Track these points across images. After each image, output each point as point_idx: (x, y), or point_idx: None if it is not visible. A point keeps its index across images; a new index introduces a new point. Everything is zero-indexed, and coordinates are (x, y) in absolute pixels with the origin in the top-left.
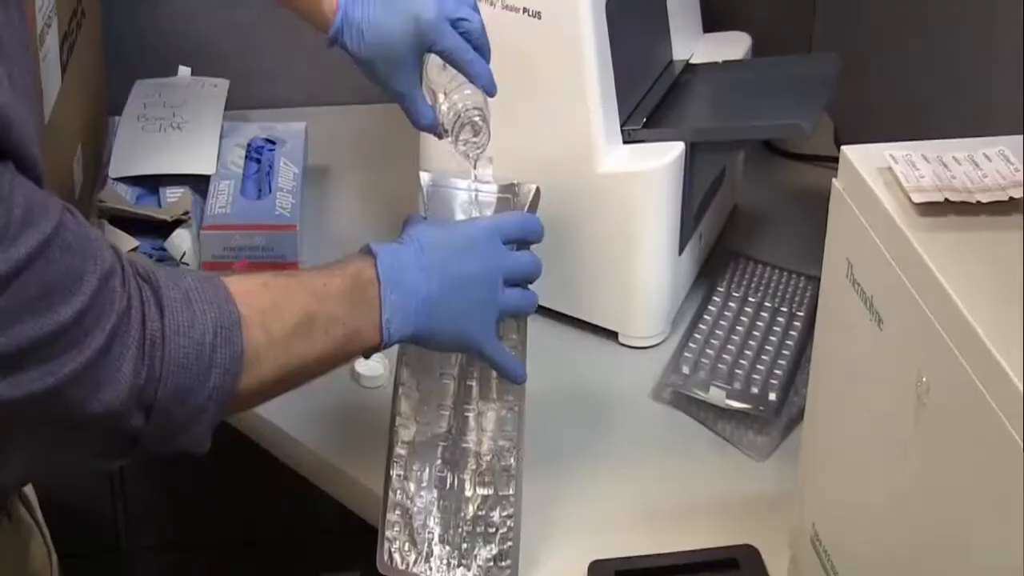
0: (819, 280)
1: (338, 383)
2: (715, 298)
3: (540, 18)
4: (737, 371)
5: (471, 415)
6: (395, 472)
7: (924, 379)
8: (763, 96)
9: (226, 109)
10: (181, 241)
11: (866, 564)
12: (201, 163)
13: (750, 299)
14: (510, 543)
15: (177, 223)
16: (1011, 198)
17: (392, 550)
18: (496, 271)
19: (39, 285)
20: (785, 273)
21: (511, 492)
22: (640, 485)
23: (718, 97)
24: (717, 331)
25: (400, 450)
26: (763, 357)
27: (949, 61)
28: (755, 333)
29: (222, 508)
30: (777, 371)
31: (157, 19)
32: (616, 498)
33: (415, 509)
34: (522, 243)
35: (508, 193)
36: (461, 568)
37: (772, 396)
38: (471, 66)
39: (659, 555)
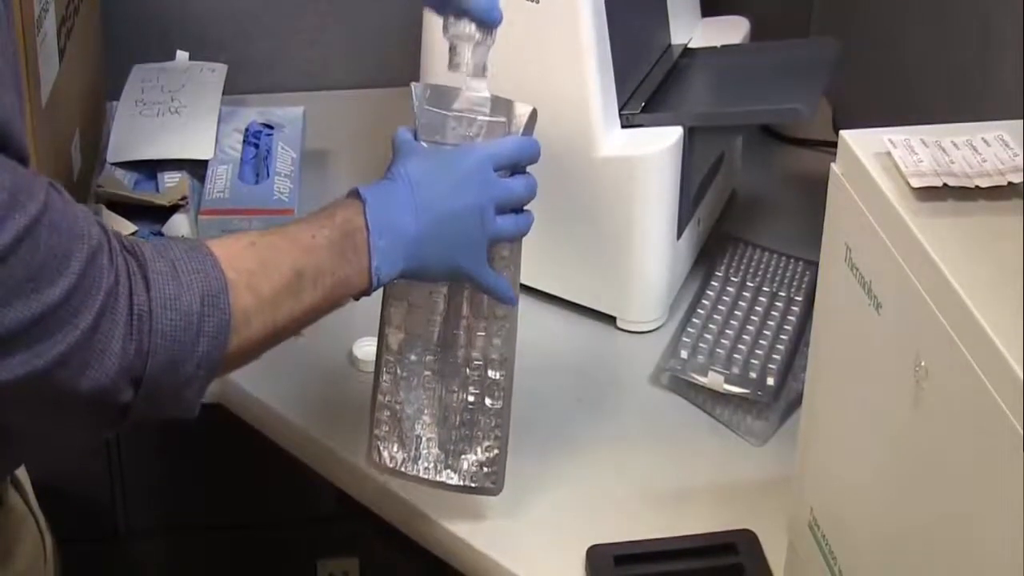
0: (817, 265)
1: (335, 367)
2: (713, 283)
3: (538, 2)
4: (735, 356)
5: (461, 330)
6: (384, 377)
7: (922, 363)
8: (761, 81)
9: (224, 94)
10: (179, 226)
11: (864, 548)
12: (199, 148)
13: (748, 284)
14: (497, 451)
15: (175, 208)
16: (1010, 183)
17: (380, 448)
18: (487, 202)
19: (26, 268)
20: (783, 258)
21: (500, 404)
22: (638, 470)
23: (716, 81)
24: (715, 316)
25: (389, 356)
26: (761, 342)
27: (948, 46)
28: (753, 318)
29: (220, 493)
30: (775, 356)
31: (155, 4)
32: (614, 483)
33: (404, 413)
34: (517, 167)
35: (502, 115)
36: (448, 471)
37: (770, 381)
38: None
39: (657, 540)
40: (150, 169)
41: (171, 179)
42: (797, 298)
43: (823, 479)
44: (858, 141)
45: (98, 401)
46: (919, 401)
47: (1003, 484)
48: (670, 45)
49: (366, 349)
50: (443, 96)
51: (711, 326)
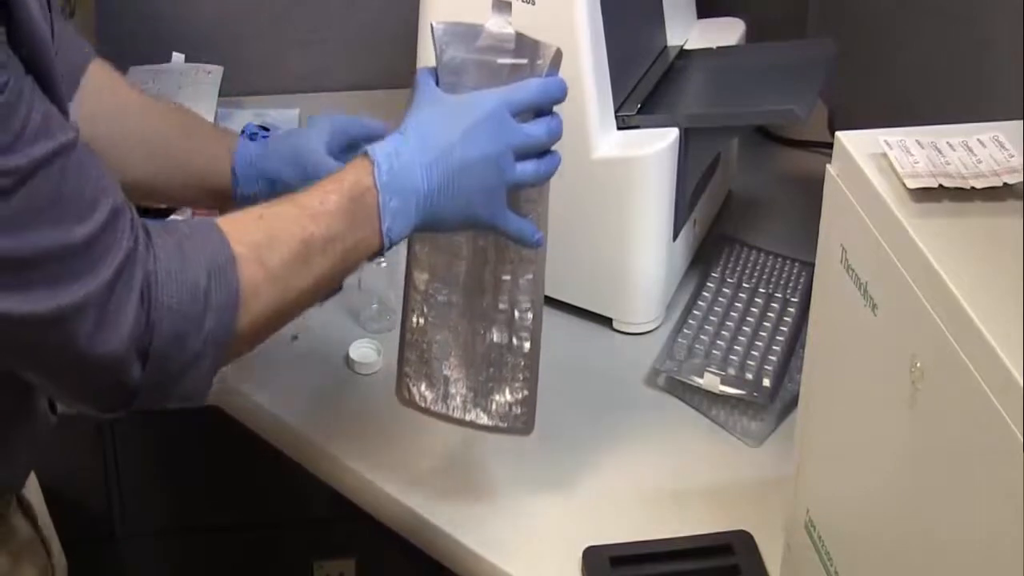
0: (813, 266)
1: (332, 369)
2: (709, 284)
3: (534, 4)
4: (731, 357)
5: (487, 271)
6: (412, 317)
7: (918, 364)
8: (757, 82)
9: (220, 96)
10: None
11: (860, 549)
12: None
13: (744, 285)
14: (527, 392)
15: (171, 210)
16: (1005, 184)
17: (410, 385)
18: (504, 149)
19: (52, 193)
20: (779, 259)
21: (528, 345)
22: (634, 471)
23: (712, 83)
24: (711, 317)
25: (416, 296)
26: (757, 343)
27: (944, 47)
28: (749, 319)
29: (216, 494)
30: (771, 357)
31: (151, 5)
32: (610, 484)
33: (432, 353)
34: (541, 110)
35: (525, 56)
36: (478, 410)
37: (766, 382)
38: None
39: (653, 541)
40: None
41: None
42: (793, 299)
43: (819, 480)
44: (854, 142)
45: (109, 369)
46: (915, 402)
47: (1000, 485)
48: (666, 46)
49: (362, 351)
50: (465, 36)
51: (707, 327)
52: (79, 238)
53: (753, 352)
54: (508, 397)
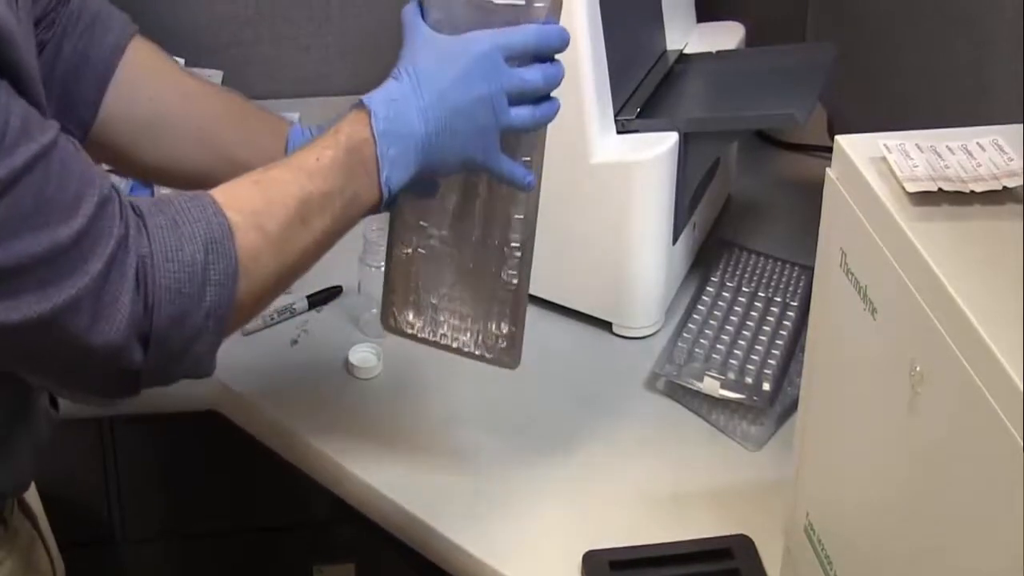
0: (813, 270)
1: (331, 374)
2: (709, 288)
3: None
4: (731, 361)
5: (477, 204)
6: (398, 245)
7: (918, 368)
8: (757, 86)
9: None
10: None
11: (860, 552)
12: None
13: (744, 289)
14: (513, 327)
15: None
16: (1005, 187)
17: (396, 312)
18: (497, 92)
19: (35, 198)
20: (779, 263)
21: (516, 278)
22: (634, 475)
23: (712, 87)
24: (711, 321)
25: (404, 226)
26: (757, 347)
27: (943, 50)
28: (749, 323)
29: (216, 499)
30: (771, 361)
31: (150, 9)
32: (610, 488)
33: (418, 282)
34: (539, 56)
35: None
36: (464, 338)
37: (766, 386)
38: None
39: (653, 545)
40: None
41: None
42: (792, 303)
43: (819, 484)
44: (853, 146)
45: (109, 358)
46: (914, 406)
47: (1000, 489)
48: (665, 51)
49: (362, 356)
50: None
51: (707, 331)
52: (67, 237)
53: (753, 356)
54: (494, 329)
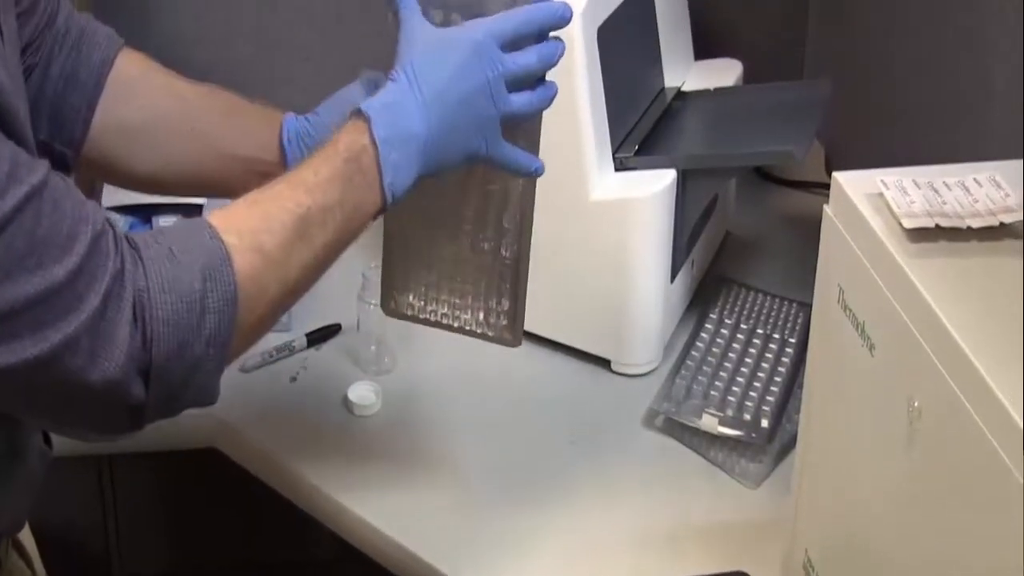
0: (811, 306)
1: (330, 411)
2: (707, 325)
3: None
4: (729, 398)
5: (475, 180)
6: (397, 225)
7: (916, 404)
8: (754, 123)
9: None
10: None
11: None
12: None
13: (742, 326)
14: (513, 304)
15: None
16: (1002, 223)
17: (396, 295)
18: (496, 80)
19: (28, 240)
20: (777, 300)
21: (515, 252)
22: (632, 512)
23: (710, 124)
24: (709, 358)
25: (396, 205)
26: (755, 384)
27: (940, 87)
28: (747, 360)
29: (216, 536)
30: (769, 398)
31: (152, 49)
32: (609, 525)
33: (417, 260)
34: (540, 36)
35: None
36: (465, 316)
37: (764, 423)
38: None
39: None
40: (145, 212)
41: (165, 223)
42: (791, 340)
43: (818, 520)
44: (851, 182)
45: (110, 394)
46: (913, 442)
47: (1000, 526)
48: (663, 88)
49: (361, 393)
50: None
51: (705, 368)
52: (61, 276)
53: (751, 393)
54: (495, 305)
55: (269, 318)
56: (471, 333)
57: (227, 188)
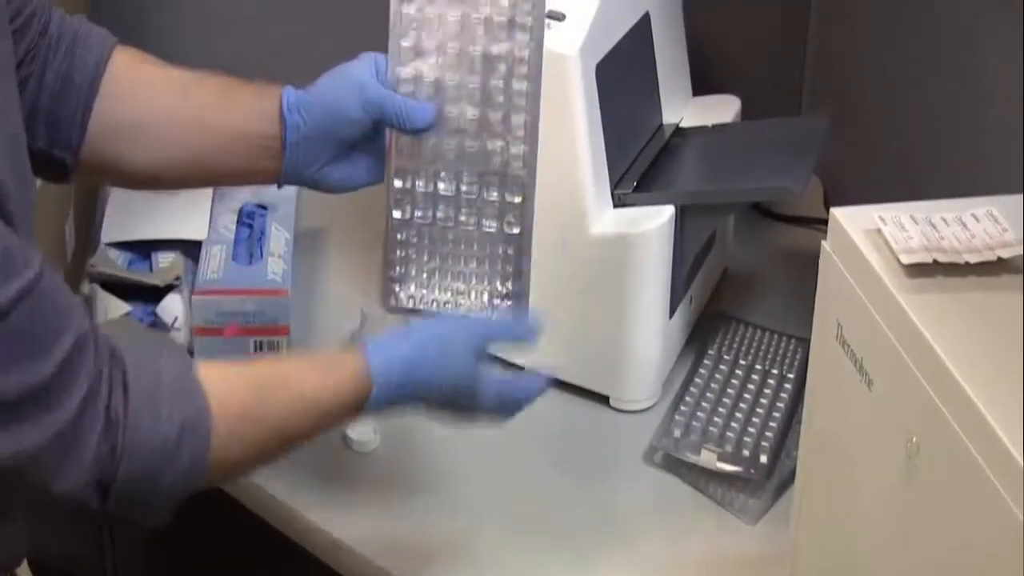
0: (809, 342)
1: (329, 448)
2: (706, 361)
3: None
4: (728, 434)
5: (471, 199)
6: (395, 212)
7: (914, 440)
8: (753, 159)
9: None
10: (172, 306)
11: None
12: (193, 228)
13: (741, 361)
14: (516, 287)
15: (169, 288)
16: (999, 258)
17: (397, 290)
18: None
19: (13, 338)
20: (775, 335)
21: (518, 229)
22: (632, 548)
23: (708, 160)
24: (708, 394)
25: (398, 194)
26: (754, 420)
27: (938, 123)
28: (746, 396)
29: (211, 572)
30: (768, 434)
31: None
32: (608, 562)
33: (417, 250)
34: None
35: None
36: (467, 303)
37: (763, 459)
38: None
39: None
40: (144, 249)
41: (165, 259)
42: (789, 375)
43: (817, 556)
44: (849, 218)
45: (67, 502)
46: (911, 478)
47: (999, 564)
48: (662, 124)
49: (360, 430)
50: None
51: (704, 404)
52: (41, 377)
53: (750, 429)
54: (499, 287)
55: (242, 473)
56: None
57: (230, 171)
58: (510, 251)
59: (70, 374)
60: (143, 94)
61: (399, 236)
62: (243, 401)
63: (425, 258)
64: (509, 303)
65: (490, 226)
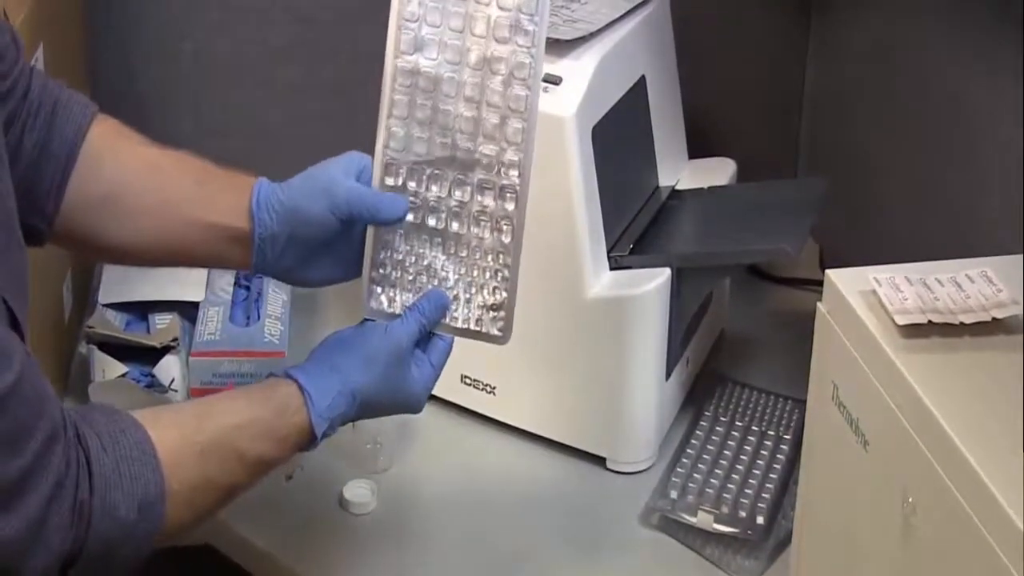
0: (805, 403)
1: (326, 509)
2: (702, 422)
3: None
4: (725, 495)
5: (462, 211)
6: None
7: (910, 499)
8: (748, 221)
9: None
10: (170, 367)
11: None
12: (190, 290)
13: (737, 423)
14: (504, 296)
15: (166, 349)
16: (994, 319)
17: (378, 292)
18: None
19: None
20: (772, 397)
21: (508, 239)
22: None
23: (704, 223)
24: (704, 455)
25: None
26: (750, 481)
27: (933, 185)
28: (742, 457)
29: None
30: (764, 495)
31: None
32: None
33: (400, 256)
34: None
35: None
36: (451, 312)
37: (760, 520)
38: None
39: None
40: (141, 310)
41: (162, 320)
42: (786, 436)
43: None
44: (844, 280)
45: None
46: (908, 538)
47: None
48: (658, 187)
49: (356, 492)
50: None
51: (700, 465)
52: (14, 471)
53: (747, 490)
54: (485, 299)
55: (190, 531)
56: (456, 331)
57: (197, 256)
58: (497, 263)
59: (41, 467)
60: (117, 170)
61: (378, 242)
62: (195, 474)
63: (409, 266)
64: (493, 316)
65: (478, 237)
